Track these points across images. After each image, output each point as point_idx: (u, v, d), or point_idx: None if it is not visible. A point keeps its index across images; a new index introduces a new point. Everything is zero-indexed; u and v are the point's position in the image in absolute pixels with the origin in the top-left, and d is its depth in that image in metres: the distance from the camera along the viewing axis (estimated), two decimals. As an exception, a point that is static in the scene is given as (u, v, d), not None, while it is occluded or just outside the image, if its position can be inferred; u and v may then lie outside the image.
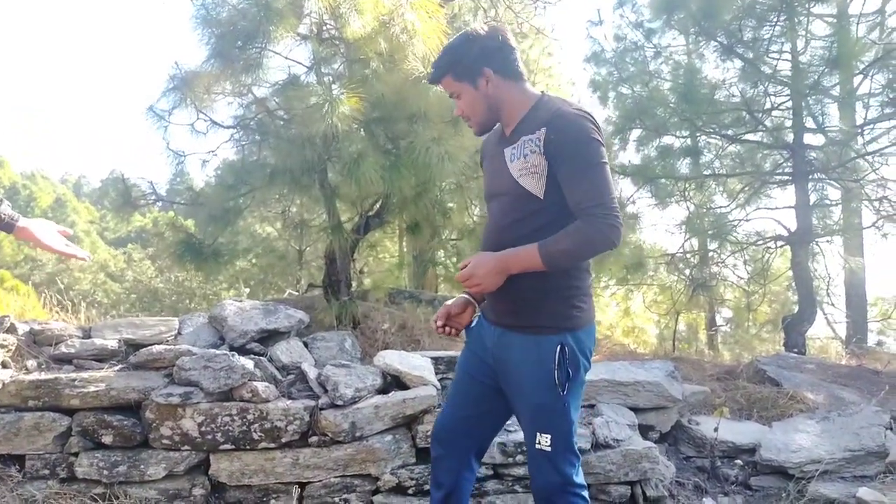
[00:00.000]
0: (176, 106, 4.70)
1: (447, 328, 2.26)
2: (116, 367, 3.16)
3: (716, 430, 3.65)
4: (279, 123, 4.82)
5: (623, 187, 7.10)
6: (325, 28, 4.82)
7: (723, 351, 9.69)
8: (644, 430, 3.62)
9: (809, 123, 6.43)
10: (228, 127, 5.06)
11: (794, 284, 7.07)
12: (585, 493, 2.11)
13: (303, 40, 4.82)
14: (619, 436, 3.32)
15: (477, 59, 2.06)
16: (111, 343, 3.27)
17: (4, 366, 3.09)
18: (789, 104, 6.47)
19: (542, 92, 2.14)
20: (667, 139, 7.05)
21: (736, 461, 3.67)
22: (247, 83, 4.76)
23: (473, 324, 2.30)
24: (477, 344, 2.24)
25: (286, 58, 4.90)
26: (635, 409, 3.65)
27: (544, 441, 2.02)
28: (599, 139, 1.95)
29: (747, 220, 7.14)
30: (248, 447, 3.00)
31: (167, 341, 3.34)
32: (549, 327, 2.02)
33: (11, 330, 3.26)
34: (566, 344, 1.99)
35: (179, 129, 4.93)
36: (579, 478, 2.10)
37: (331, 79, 4.96)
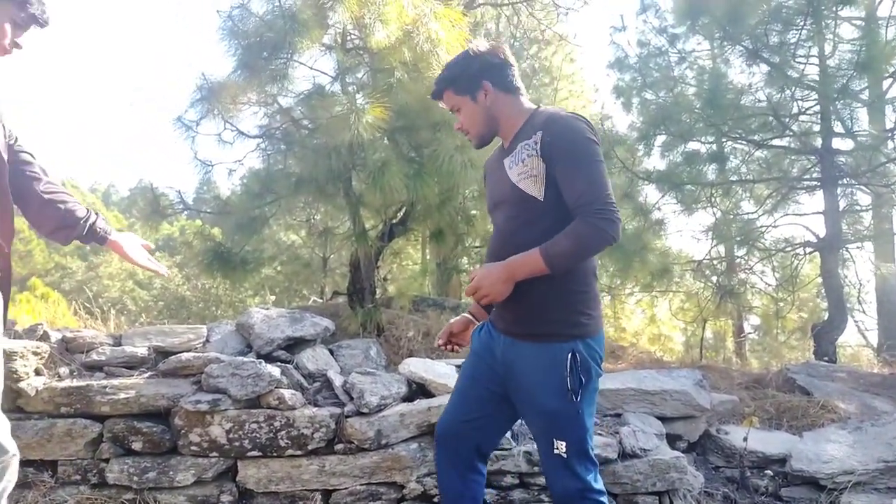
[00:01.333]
0: (203, 116, 4.79)
1: (449, 345, 2.36)
2: (146, 375, 3.21)
3: (745, 439, 3.60)
4: (304, 133, 4.87)
5: (648, 193, 7.05)
6: (349, 38, 4.88)
7: (751, 359, 9.55)
8: (672, 440, 3.58)
9: (838, 128, 6.32)
10: (254, 137, 5.14)
11: (823, 291, 6.95)
12: (605, 499, 2.10)
13: (327, 51, 4.88)
14: (646, 445, 3.29)
15: (477, 73, 2.15)
16: (141, 350, 3.32)
17: (38, 373, 3.16)
18: (817, 108, 6.38)
19: (538, 105, 2.22)
20: (692, 145, 6.99)
21: (766, 472, 3.61)
22: (272, 93, 4.83)
23: (481, 331, 2.31)
24: (485, 351, 2.25)
25: (311, 68, 4.98)
26: (662, 419, 3.61)
27: (560, 447, 2.03)
28: (594, 139, 2.00)
29: (775, 227, 7.05)
30: (275, 454, 3.03)
31: (195, 349, 3.38)
32: (560, 335, 2.02)
33: (44, 337, 3.32)
34: (577, 351, 2.00)
35: (207, 139, 5.02)
36: (598, 484, 2.10)
37: (355, 88, 5.01)
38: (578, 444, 2.04)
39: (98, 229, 2.16)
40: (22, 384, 3.00)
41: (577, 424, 2.03)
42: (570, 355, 1.98)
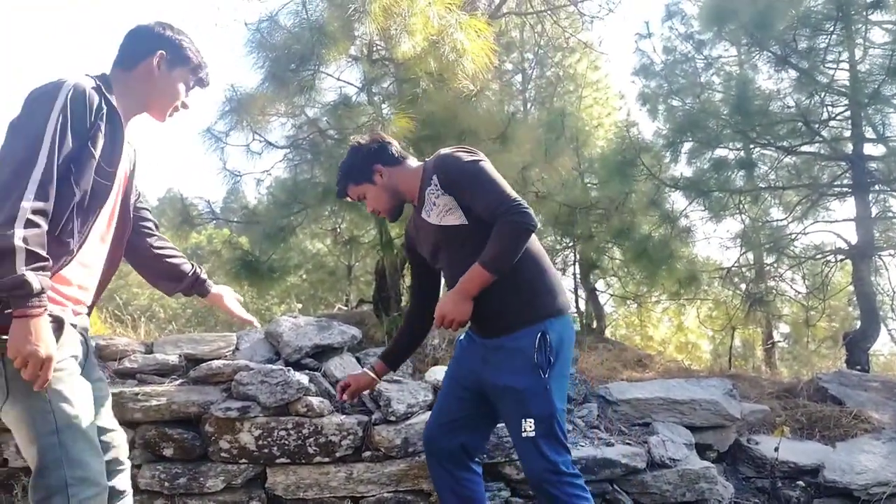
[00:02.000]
0: (232, 127, 4.86)
1: (345, 393, 2.67)
2: (177, 382, 3.26)
3: (776, 449, 3.55)
4: (331, 143, 4.93)
5: (675, 200, 6.98)
6: (375, 49, 4.93)
7: (781, 368, 9.39)
8: (701, 450, 3.55)
9: (869, 133, 6.21)
10: (282, 147, 5.20)
11: (855, 299, 6.82)
12: (581, 482, 2.21)
13: (354, 62, 4.93)
14: (675, 455, 3.26)
15: (366, 160, 2.42)
16: (172, 358, 3.38)
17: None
18: (847, 114, 6.27)
19: (423, 160, 2.48)
20: (720, 151, 6.91)
21: (798, 482, 3.55)
22: (300, 104, 4.90)
23: (465, 338, 2.52)
24: (466, 355, 2.45)
25: (337, 79, 5.04)
26: (692, 428, 3.58)
27: (528, 427, 2.16)
28: (475, 157, 2.26)
29: (805, 234, 6.93)
30: (303, 461, 3.05)
31: (225, 356, 3.43)
32: (528, 321, 2.22)
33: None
34: (545, 331, 2.19)
35: (235, 150, 5.10)
36: (571, 468, 2.21)
37: (381, 98, 5.06)
38: (546, 422, 2.16)
39: (201, 284, 2.35)
40: (58, 391, 3.06)
41: (546, 400, 2.16)
42: (538, 336, 2.18)
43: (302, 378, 3.13)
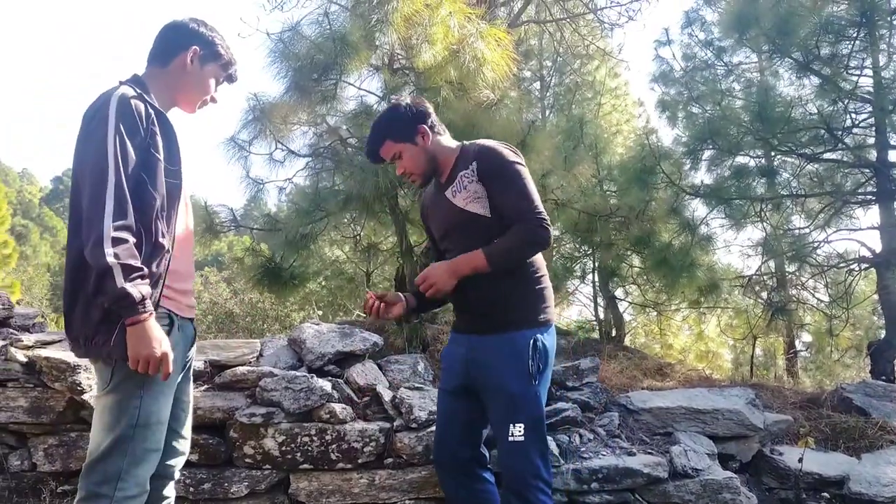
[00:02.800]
0: (255, 136, 4.92)
1: (376, 305, 2.44)
2: (203, 388, 3.30)
3: (800, 460, 3.51)
4: (351, 151, 4.97)
5: (695, 208, 6.94)
6: (396, 59, 4.97)
7: (803, 377, 9.27)
8: (724, 460, 3.52)
9: (894, 140, 6.15)
10: (304, 156, 5.25)
11: (880, 308, 6.73)
12: (549, 492, 2.26)
13: (375, 71, 4.98)
14: (697, 465, 3.24)
15: (411, 119, 2.39)
16: (197, 364, 3.42)
17: (100, 385, 3.28)
18: (871, 121, 6.21)
19: (462, 142, 2.49)
20: (740, 159, 6.87)
21: (822, 494, 3.51)
22: (322, 113, 4.94)
23: (446, 347, 2.55)
24: (452, 360, 2.46)
25: (359, 88, 5.08)
26: (714, 438, 3.56)
27: (517, 431, 2.21)
28: (519, 161, 2.33)
29: (828, 242, 6.85)
30: (326, 467, 3.08)
31: (250, 363, 3.47)
32: (521, 323, 2.28)
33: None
34: (536, 339, 2.25)
35: (258, 158, 5.16)
36: (549, 474, 2.27)
37: (401, 107, 5.08)
38: (534, 425, 2.23)
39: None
40: (85, 396, 3.12)
41: (535, 406, 2.25)
42: (531, 343, 2.24)
43: (325, 384, 3.16)
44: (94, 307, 1.85)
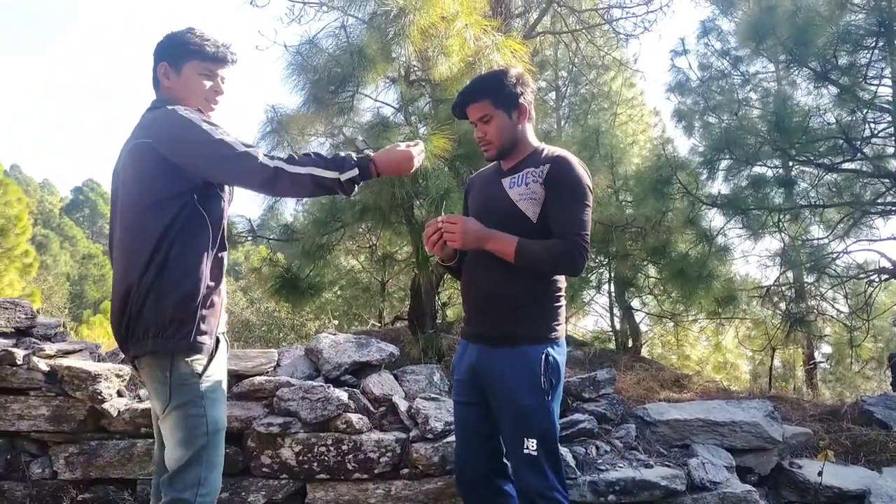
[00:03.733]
0: (273, 148, 4.96)
1: (436, 238, 2.24)
2: (220, 397, 3.33)
3: (820, 474, 3.47)
4: (367, 162, 5.00)
5: (712, 218, 6.90)
6: (412, 70, 5.01)
7: (822, 389, 9.17)
8: (742, 473, 3.49)
9: (914, 150, 6.09)
10: (321, 167, 5.29)
11: (901, 320, 6.64)
12: (567, 502, 2.22)
13: (391, 83, 5.02)
14: (715, 478, 3.22)
15: (519, 94, 2.29)
16: (216, 374, 3.45)
17: (119, 394, 3.32)
18: (891, 131, 6.16)
19: (541, 142, 2.41)
20: (758, 169, 6.82)
21: (843, 508, 3.47)
22: (338, 125, 4.99)
23: (456, 358, 2.48)
24: (463, 372, 2.39)
25: (375, 100, 5.13)
26: (732, 451, 3.52)
27: (531, 445, 2.17)
28: (590, 186, 2.26)
29: (847, 253, 6.78)
30: (342, 477, 3.09)
31: (267, 372, 3.49)
32: (534, 337, 2.21)
33: (126, 360, 3.49)
34: (549, 354, 2.19)
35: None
36: (564, 488, 2.23)
37: (417, 118, 5.12)
38: (547, 441, 2.18)
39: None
40: (106, 405, 3.16)
41: (548, 422, 2.19)
42: (543, 357, 2.18)
43: (342, 395, 3.17)
44: (166, 299, 1.92)
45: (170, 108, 2.02)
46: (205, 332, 1.99)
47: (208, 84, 2.17)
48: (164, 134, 1.99)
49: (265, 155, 1.98)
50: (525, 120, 2.32)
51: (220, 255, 2.07)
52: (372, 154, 2.16)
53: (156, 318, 1.92)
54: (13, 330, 3.57)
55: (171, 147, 1.98)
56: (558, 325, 2.27)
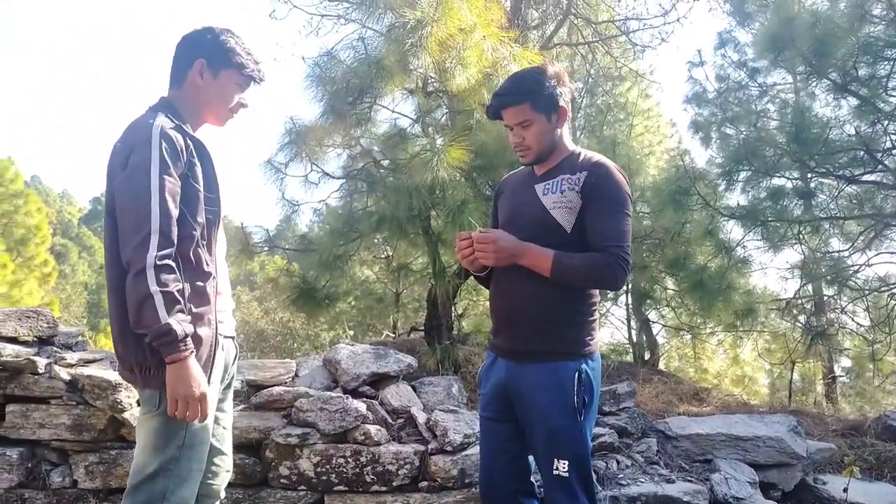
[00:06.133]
0: (291, 159, 5.00)
1: (469, 251, 2.13)
2: (239, 408, 3.33)
3: (845, 490, 3.41)
4: (384, 172, 5.02)
5: (731, 230, 6.84)
6: (429, 82, 5.02)
7: (843, 403, 9.03)
8: (765, 489, 3.44)
9: (937, 162, 6.01)
10: (338, 177, 5.32)
11: (924, 333, 6.53)
12: None
13: (409, 94, 5.04)
14: (738, 493, 3.17)
15: (558, 97, 2.15)
16: (235, 384, 3.45)
17: (139, 404, 3.33)
18: (912, 142, 6.09)
19: (577, 146, 2.29)
20: (777, 180, 6.77)
21: (869, 526, 3.40)
22: (356, 136, 5.01)
23: (482, 371, 2.37)
24: (491, 387, 2.28)
25: (392, 111, 5.16)
26: (755, 466, 3.48)
27: (562, 467, 2.06)
28: (629, 194, 2.15)
29: (869, 265, 6.70)
30: (360, 489, 3.08)
31: (285, 383, 3.49)
32: (567, 353, 2.10)
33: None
34: (582, 371, 2.07)
35: (293, 180, 5.24)
36: None
37: (434, 130, 5.14)
38: (580, 463, 2.08)
39: None
40: (125, 415, 3.17)
41: (580, 443, 2.08)
42: (576, 375, 2.06)
43: (360, 406, 3.16)
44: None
45: (154, 124, 1.87)
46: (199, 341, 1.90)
47: (238, 96, 2.10)
48: (123, 148, 1.88)
49: (157, 258, 1.77)
50: (563, 123, 2.20)
51: (204, 268, 1.94)
52: (183, 355, 1.81)
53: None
54: (35, 339, 3.59)
55: (118, 162, 1.88)
56: (592, 339, 2.16)
